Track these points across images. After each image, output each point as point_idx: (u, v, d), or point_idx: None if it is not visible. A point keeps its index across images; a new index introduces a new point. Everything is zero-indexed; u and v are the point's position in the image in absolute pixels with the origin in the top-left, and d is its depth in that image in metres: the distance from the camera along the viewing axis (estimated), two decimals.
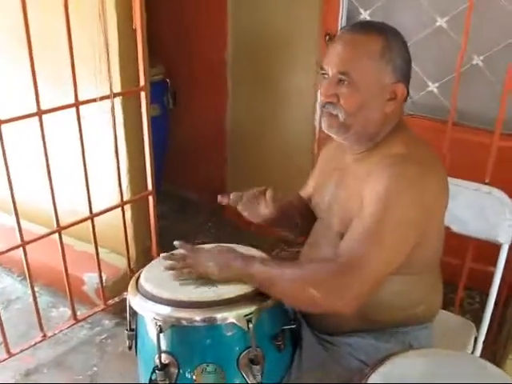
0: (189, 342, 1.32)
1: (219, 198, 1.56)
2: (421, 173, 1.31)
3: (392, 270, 1.30)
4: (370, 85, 1.34)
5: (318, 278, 1.27)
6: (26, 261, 2.23)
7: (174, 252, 1.48)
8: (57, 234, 2.32)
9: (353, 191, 1.39)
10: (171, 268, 1.41)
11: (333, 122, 1.38)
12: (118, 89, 2.37)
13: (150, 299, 1.34)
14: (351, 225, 1.32)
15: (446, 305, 1.74)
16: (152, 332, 1.33)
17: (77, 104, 2.18)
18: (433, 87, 2.64)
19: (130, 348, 1.50)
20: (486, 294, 2.70)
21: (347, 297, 1.24)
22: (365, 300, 1.26)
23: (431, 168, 1.35)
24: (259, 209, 1.56)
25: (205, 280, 1.36)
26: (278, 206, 1.56)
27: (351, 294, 1.24)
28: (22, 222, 2.18)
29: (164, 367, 1.29)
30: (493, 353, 2.23)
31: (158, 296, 1.33)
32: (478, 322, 1.86)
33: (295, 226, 1.70)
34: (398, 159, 1.34)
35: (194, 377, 1.30)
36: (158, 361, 1.29)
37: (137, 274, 1.49)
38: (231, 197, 1.56)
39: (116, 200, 2.53)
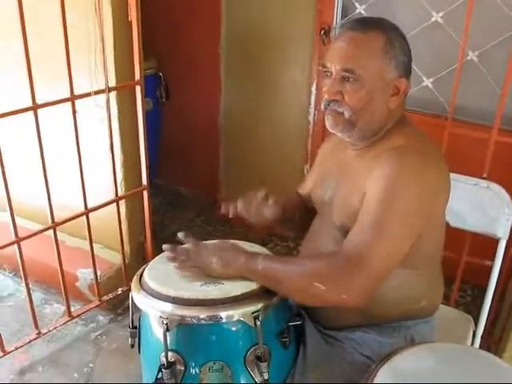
0: (195, 340, 1.31)
1: (223, 207, 1.56)
2: (422, 163, 1.32)
3: (397, 262, 1.30)
4: (374, 81, 1.34)
5: (324, 272, 1.26)
6: (21, 257, 2.20)
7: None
8: (50, 230, 2.29)
9: (355, 186, 1.40)
10: (173, 260, 1.39)
11: (338, 119, 1.38)
12: (112, 83, 2.35)
13: (155, 297, 1.32)
14: (357, 219, 1.32)
15: None
16: (157, 330, 1.32)
17: (72, 98, 2.14)
18: (427, 82, 2.64)
19: (132, 346, 1.48)
20: (478, 287, 2.74)
21: (355, 290, 1.24)
22: (372, 293, 1.26)
23: (432, 159, 1.36)
24: (264, 213, 1.56)
25: (211, 277, 1.35)
26: (281, 208, 1.58)
27: (359, 287, 1.24)
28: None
29: (170, 365, 1.28)
30: (488, 346, 2.25)
31: (163, 294, 1.31)
32: (471, 315, 1.88)
33: (295, 224, 1.71)
34: (398, 151, 1.34)
35: (201, 375, 1.29)
36: (164, 359, 1.28)
37: (139, 271, 1.46)
38: (238, 207, 1.55)
39: (109, 195, 2.50)
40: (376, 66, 1.33)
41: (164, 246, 1.42)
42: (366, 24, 1.38)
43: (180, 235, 1.44)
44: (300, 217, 1.69)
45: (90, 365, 2.36)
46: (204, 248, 1.40)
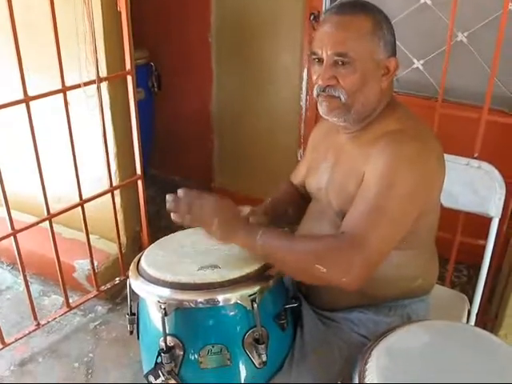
0: (193, 323, 1.32)
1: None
2: (420, 149, 1.33)
3: (394, 244, 1.32)
4: (366, 63, 1.35)
5: (323, 254, 1.26)
6: (18, 250, 2.21)
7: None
8: (46, 222, 2.29)
9: (351, 171, 1.41)
10: (174, 211, 1.32)
11: (334, 104, 1.38)
12: (103, 73, 2.35)
13: (152, 282, 1.33)
14: (354, 202, 1.33)
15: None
16: (156, 315, 1.34)
17: (64, 90, 2.14)
18: (418, 64, 2.65)
19: (131, 332, 1.50)
20: (473, 267, 2.77)
21: (353, 272, 1.24)
22: (370, 275, 1.27)
23: (429, 144, 1.37)
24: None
25: (207, 262, 1.36)
26: (268, 209, 1.63)
27: (357, 269, 1.24)
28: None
29: (169, 350, 1.30)
30: (483, 324, 2.28)
31: (161, 279, 1.32)
32: (466, 295, 1.90)
33: (289, 218, 1.71)
34: (395, 136, 1.35)
35: (200, 358, 1.31)
36: (163, 343, 1.29)
37: (136, 258, 1.47)
38: None
39: (104, 186, 2.51)
40: (367, 47, 1.34)
41: (168, 196, 1.33)
42: (351, 7, 1.38)
43: (179, 191, 1.33)
44: (293, 210, 1.70)
45: (90, 354, 2.38)
46: (206, 207, 1.32)
